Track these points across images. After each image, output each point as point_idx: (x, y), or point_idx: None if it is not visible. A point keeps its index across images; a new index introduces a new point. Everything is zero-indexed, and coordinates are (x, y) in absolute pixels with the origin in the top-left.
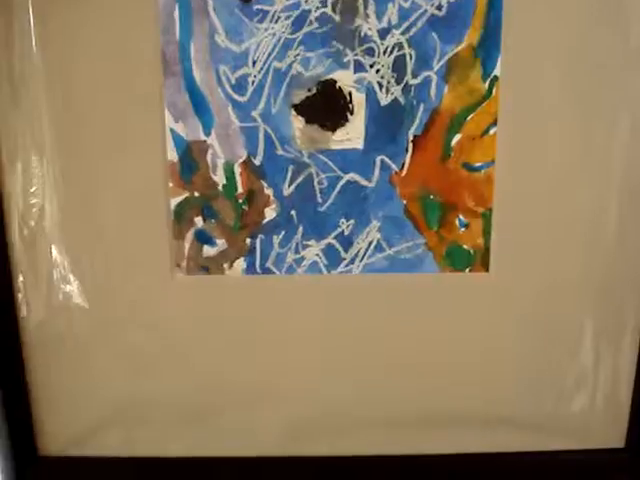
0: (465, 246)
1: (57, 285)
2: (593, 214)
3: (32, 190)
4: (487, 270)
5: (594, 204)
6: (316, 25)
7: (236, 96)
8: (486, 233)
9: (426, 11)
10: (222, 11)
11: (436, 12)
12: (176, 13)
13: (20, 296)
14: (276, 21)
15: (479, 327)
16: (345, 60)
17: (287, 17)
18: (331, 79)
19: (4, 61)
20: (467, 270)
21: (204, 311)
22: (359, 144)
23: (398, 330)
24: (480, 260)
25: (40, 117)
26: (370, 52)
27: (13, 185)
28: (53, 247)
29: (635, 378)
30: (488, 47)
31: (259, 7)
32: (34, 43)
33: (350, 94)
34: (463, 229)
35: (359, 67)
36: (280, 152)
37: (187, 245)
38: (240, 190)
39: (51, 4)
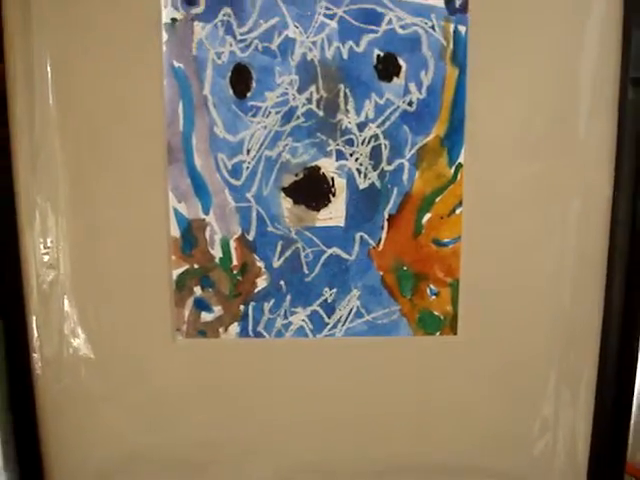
0: (435, 312)
1: (67, 340)
2: (549, 283)
3: (47, 246)
4: (455, 334)
5: (550, 274)
6: (302, 119)
7: (232, 180)
8: (454, 300)
9: (399, 107)
10: (220, 107)
11: (407, 108)
12: (180, 108)
13: (36, 354)
14: (267, 115)
15: (449, 384)
16: (328, 149)
17: (277, 112)
18: (316, 166)
19: (26, 127)
20: (437, 334)
21: (202, 371)
22: (341, 222)
23: (376, 388)
24: (449, 325)
25: (56, 181)
26: (350, 142)
27: (31, 242)
28: (66, 303)
29: (592, 430)
30: (453, 138)
31: (253, 103)
32: (53, 116)
33: (332, 179)
34: (433, 297)
35: (340, 155)
36: (270, 229)
37: (187, 311)
38: (235, 263)
39: (69, 87)
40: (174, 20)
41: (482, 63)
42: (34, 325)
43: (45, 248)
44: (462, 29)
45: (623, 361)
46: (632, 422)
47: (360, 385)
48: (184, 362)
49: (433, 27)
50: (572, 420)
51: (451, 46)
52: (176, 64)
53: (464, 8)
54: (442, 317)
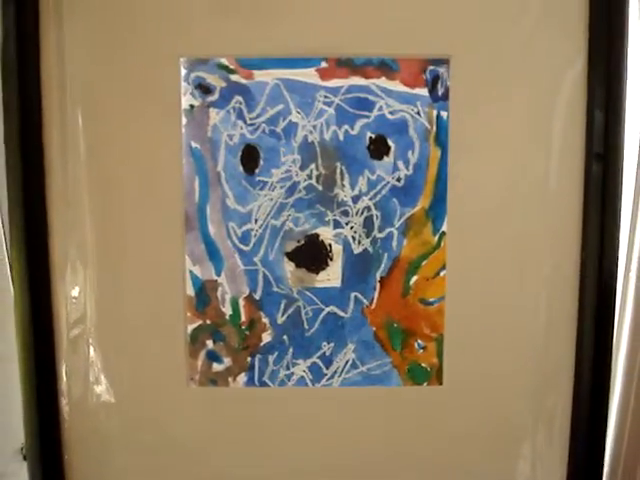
0: (423, 364)
1: (92, 386)
2: (525, 335)
3: (76, 299)
4: (441, 384)
5: (526, 328)
6: (304, 193)
7: (241, 246)
8: (439, 354)
9: (388, 182)
10: (232, 181)
11: (396, 183)
12: (196, 183)
13: (64, 398)
14: (273, 189)
15: (436, 429)
16: (326, 219)
17: (282, 186)
18: (315, 233)
19: (62, 189)
20: (425, 384)
21: (212, 416)
22: (337, 283)
23: (369, 433)
24: (435, 375)
25: (86, 240)
26: (345, 213)
27: (63, 295)
28: (91, 353)
29: (568, 467)
30: (437, 210)
31: (260, 179)
32: (84, 180)
33: (330, 245)
34: (421, 350)
35: (337, 224)
36: (275, 289)
37: (200, 362)
38: (243, 319)
39: (99, 158)
40: (192, 106)
41: (461, 144)
42: (63, 372)
43: (74, 301)
44: (444, 114)
45: (595, 402)
46: (606, 460)
47: (355, 430)
48: (197, 408)
49: (418, 113)
50: (549, 458)
51: (434, 129)
52: (193, 144)
53: (445, 96)
54: (429, 369)
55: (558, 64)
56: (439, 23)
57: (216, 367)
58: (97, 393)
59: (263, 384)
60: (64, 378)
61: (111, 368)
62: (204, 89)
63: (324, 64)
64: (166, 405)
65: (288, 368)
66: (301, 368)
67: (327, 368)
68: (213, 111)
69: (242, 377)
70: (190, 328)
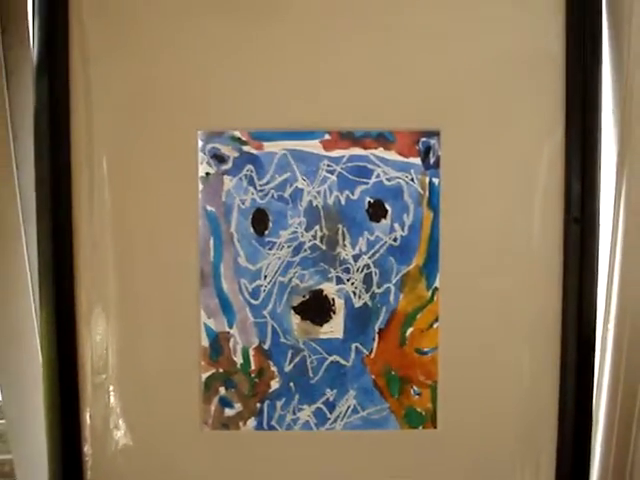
0: (419, 409)
1: (112, 431)
2: (512, 383)
3: (100, 349)
4: (436, 427)
5: (512, 376)
6: (309, 252)
7: (252, 300)
8: (434, 399)
9: (386, 242)
10: (243, 241)
11: (393, 243)
12: (211, 242)
13: (87, 445)
14: (281, 249)
15: (431, 471)
16: (329, 276)
17: (289, 246)
18: (319, 289)
19: (88, 244)
20: (420, 427)
21: (225, 458)
22: (340, 335)
23: (369, 473)
24: (430, 420)
25: (109, 293)
26: (347, 270)
27: (88, 346)
28: (112, 400)
29: None
30: (430, 267)
31: (270, 239)
32: (110, 241)
33: (333, 299)
34: (417, 396)
35: (339, 281)
36: (283, 340)
37: (213, 407)
38: (253, 368)
39: (124, 221)
40: (208, 174)
41: (452, 207)
42: (87, 419)
43: (98, 350)
44: (436, 180)
45: (578, 448)
46: None
47: (356, 472)
48: (210, 450)
49: (412, 179)
50: None
51: (427, 194)
52: (209, 208)
53: (437, 165)
54: (424, 413)
55: (538, 135)
56: (430, 100)
57: (228, 412)
58: (117, 438)
59: (271, 428)
60: (88, 424)
61: (130, 414)
62: (219, 158)
63: (327, 136)
64: (181, 448)
65: (294, 413)
66: (306, 413)
67: (330, 413)
68: (227, 178)
69: (252, 421)
70: (204, 376)
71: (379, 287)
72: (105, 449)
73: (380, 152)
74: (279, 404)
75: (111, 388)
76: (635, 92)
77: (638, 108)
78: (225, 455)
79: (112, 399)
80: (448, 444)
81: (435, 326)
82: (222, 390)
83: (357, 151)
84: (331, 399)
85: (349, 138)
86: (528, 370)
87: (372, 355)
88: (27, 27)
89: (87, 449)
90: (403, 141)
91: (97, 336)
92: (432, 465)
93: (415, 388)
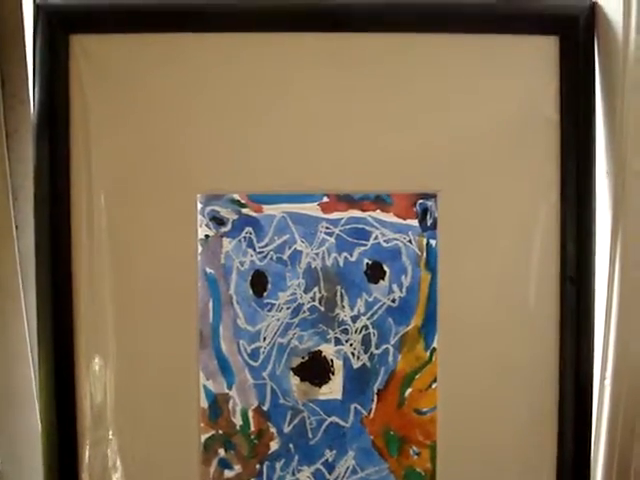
0: (418, 469)
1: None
2: (511, 446)
3: (97, 400)
4: None
5: (510, 438)
6: (308, 313)
7: (251, 362)
8: (433, 459)
9: (384, 303)
10: (243, 303)
11: (391, 304)
12: (210, 304)
13: None
14: (280, 310)
15: None
16: (328, 337)
17: (287, 307)
18: (318, 350)
19: (88, 296)
20: None
21: None
22: (339, 396)
23: None
24: (430, 479)
25: (107, 347)
26: (345, 331)
27: (87, 394)
28: (110, 455)
29: None
30: (428, 327)
31: (268, 301)
32: (109, 299)
33: (332, 360)
34: (416, 456)
35: (338, 342)
36: (282, 401)
37: (212, 469)
38: (252, 429)
39: (124, 275)
40: (207, 236)
41: (449, 268)
42: (84, 466)
43: (96, 411)
44: (433, 242)
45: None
46: None
47: None
48: None
49: (410, 241)
50: None
51: (424, 255)
52: (208, 270)
53: (434, 226)
54: (423, 473)
55: (534, 198)
56: (428, 163)
57: (227, 474)
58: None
59: None
60: (84, 474)
61: (129, 475)
62: (218, 221)
63: (326, 199)
64: None
65: (294, 474)
66: (306, 474)
67: (330, 474)
68: (226, 240)
69: None
70: (203, 437)
71: (378, 348)
72: None
73: (378, 214)
74: (279, 465)
75: (109, 448)
76: (629, 155)
77: (631, 171)
78: None
79: (110, 459)
80: None
81: (434, 386)
82: (221, 451)
83: (355, 213)
84: (330, 460)
85: (347, 200)
86: (527, 428)
87: (371, 416)
88: (28, 88)
89: None
90: (401, 203)
91: (96, 396)
92: None
93: (414, 448)
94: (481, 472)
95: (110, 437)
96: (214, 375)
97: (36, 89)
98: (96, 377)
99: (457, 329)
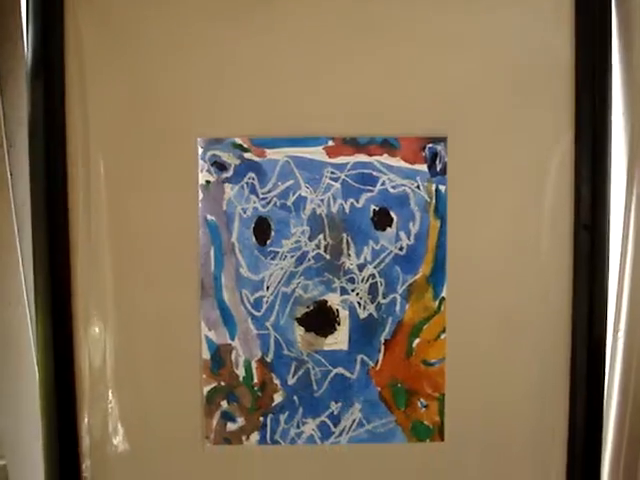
0: (426, 422)
1: (111, 442)
2: (521, 394)
3: (97, 358)
4: (443, 440)
5: (521, 387)
6: (313, 262)
7: (254, 311)
8: (441, 412)
9: (392, 251)
10: (245, 251)
11: (399, 252)
12: (212, 253)
13: (84, 457)
14: (284, 259)
15: None
16: (334, 286)
17: (292, 256)
18: (324, 300)
19: (85, 250)
20: (428, 440)
21: (227, 473)
22: (345, 346)
23: None
24: (437, 432)
25: (106, 301)
26: (352, 280)
27: (86, 356)
28: (110, 412)
29: None
30: (437, 276)
31: (272, 249)
32: (107, 249)
33: (337, 310)
34: (424, 409)
35: (344, 291)
36: (286, 352)
37: (214, 422)
38: (256, 381)
39: (120, 226)
40: (208, 182)
41: (459, 215)
42: (84, 431)
43: (95, 359)
44: (442, 188)
45: (588, 463)
46: None
47: None
48: (212, 466)
49: (418, 187)
50: None
51: (433, 202)
52: (209, 217)
53: (443, 171)
54: (431, 426)
55: (547, 141)
56: (436, 105)
57: (230, 426)
58: (116, 453)
59: (275, 442)
60: (85, 434)
61: (129, 428)
62: (219, 166)
63: (331, 143)
64: (182, 463)
65: (298, 427)
66: (310, 427)
67: (335, 426)
68: (228, 186)
69: (255, 436)
70: (206, 390)
71: (385, 297)
72: (103, 463)
73: (385, 159)
74: (282, 418)
75: (109, 401)
76: None
77: None
78: (227, 470)
79: (110, 412)
80: (456, 457)
81: (442, 337)
82: (224, 404)
83: (361, 158)
84: (336, 412)
85: (353, 144)
86: (537, 380)
87: (378, 367)
88: (22, 32)
89: (85, 464)
90: (409, 147)
91: (94, 348)
92: (438, 477)
93: (422, 400)
94: (490, 425)
95: (109, 389)
96: (216, 326)
97: (30, 32)
98: (95, 328)
99: (466, 278)
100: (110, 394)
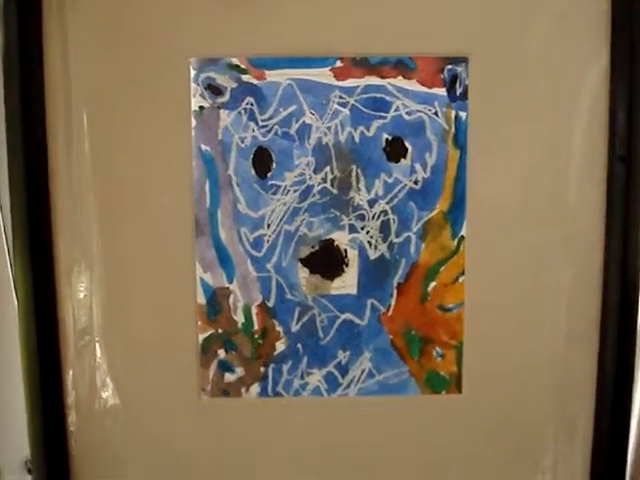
0: (441, 372)
1: (99, 394)
2: (546, 343)
3: (82, 306)
4: (460, 392)
5: (547, 334)
6: (318, 197)
7: (254, 252)
8: (458, 361)
9: (406, 185)
10: (243, 185)
11: (414, 186)
12: (207, 187)
13: (70, 410)
14: (286, 193)
15: (454, 440)
16: (341, 224)
17: (295, 190)
18: (330, 239)
19: (67, 191)
20: (443, 392)
21: (225, 428)
22: (353, 290)
23: (386, 443)
24: (454, 384)
25: (92, 243)
26: (361, 217)
27: (69, 304)
28: (98, 362)
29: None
30: (456, 213)
31: (273, 182)
32: (89, 181)
33: (346, 251)
34: (439, 359)
35: (353, 229)
36: (289, 296)
37: (211, 372)
38: (256, 327)
39: (106, 160)
40: (202, 108)
41: (481, 145)
42: (69, 382)
43: (81, 308)
44: (462, 114)
45: (617, 412)
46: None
47: (371, 441)
48: (208, 420)
49: (436, 113)
50: (571, 471)
51: (453, 130)
52: (203, 147)
53: (464, 96)
54: (447, 377)
55: (580, 63)
56: (457, 21)
57: (228, 377)
58: (105, 404)
59: (277, 394)
60: (70, 388)
61: (119, 378)
62: (214, 90)
63: (339, 63)
64: (177, 417)
65: (302, 378)
66: (316, 377)
67: (343, 377)
68: (224, 113)
69: (255, 387)
70: (201, 337)
71: (398, 236)
72: (91, 418)
73: (399, 82)
74: (285, 368)
75: (97, 351)
76: None
77: None
78: (225, 425)
79: (98, 363)
80: (474, 410)
81: (460, 280)
82: (221, 353)
83: (373, 80)
84: (344, 362)
85: (364, 65)
86: (564, 328)
87: (390, 313)
88: None
89: (71, 418)
90: (426, 69)
91: (80, 294)
92: (455, 434)
93: (438, 349)
94: (511, 376)
95: (97, 337)
96: (212, 267)
97: None
98: (79, 273)
99: (488, 215)
100: (97, 345)
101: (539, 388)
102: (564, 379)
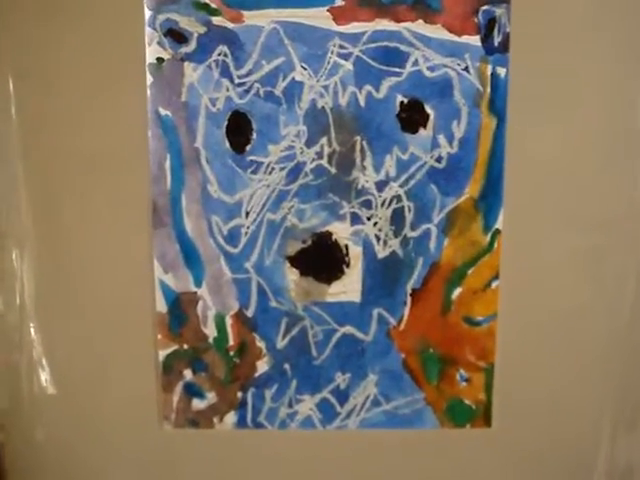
0: (466, 401)
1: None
2: (598, 365)
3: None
4: (489, 426)
5: (599, 355)
6: (311, 177)
7: (228, 247)
8: (488, 388)
9: (425, 163)
10: (215, 162)
11: (436, 164)
12: (167, 163)
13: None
14: (270, 172)
15: None
16: (341, 212)
17: (282, 169)
18: (327, 231)
19: None
20: (468, 425)
21: (192, 465)
22: (356, 297)
23: None
24: (482, 415)
25: (25, 240)
26: (367, 204)
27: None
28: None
29: None
30: (490, 200)
31: (253, 158)
32: (20, 167)
33: (346, 247)
34: (464, 383)
35: (356, 219)
36: (273, 304)
37: (176, 397)
38: (231, 343)
39: (37, 140)
40: (160, 60)
41: (525, 111)
42: None
43: (13, 319)
44: (501, 71)
45: None
46: None
47: None
48: (172, 454)
49: (467, 69)
50: None
51: (488, 91)
52: (163, 112)
53: (504, 47)
54: (474, 406)
55: None
56: None
57: (197, 404)
58: (57, 432)
59: (258, 425)
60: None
61: (68, 405)
62: (176, 37)
63: (340, 2)
64: (135, 451)
65: (291, 406)
66: (308, 405)
67: (342, 406)
68: (189, 66)
69: (231, 417)
70: (162, 355)
71: (414, 229)
72: (35, 439)
73: (419, 27)
74: (269, 393)
75: (41, 374)
76: None
77: None
78: (193, 461)
79: (43, 380)
80: (505, 448)
81: (494, 285)
82: (188, 374)
83: (385, 25)
84: (343, 387)
85: (373, 5)
86: (626, 348)
87: (402, 326)
88: None
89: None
90: (454, 10)
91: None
92: (481, 476)
93: (462, 372)
94: (552, 405)
95: (36, 358)
96: (175, 267)
97: None
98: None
99: (531, 203)
100: (38, 365)
101: (587, 425)
102: (617, 403)
